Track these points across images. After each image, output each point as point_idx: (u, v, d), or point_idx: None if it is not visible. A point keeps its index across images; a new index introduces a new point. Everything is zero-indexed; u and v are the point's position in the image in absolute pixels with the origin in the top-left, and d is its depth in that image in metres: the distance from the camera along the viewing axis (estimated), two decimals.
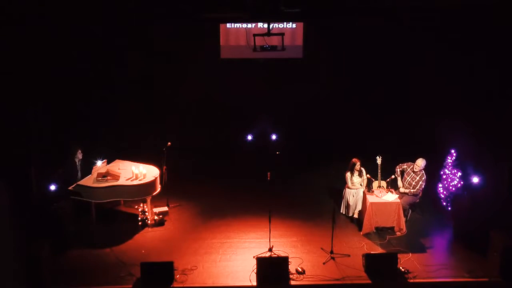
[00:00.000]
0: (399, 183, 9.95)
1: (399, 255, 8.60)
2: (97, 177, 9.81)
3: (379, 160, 9.74)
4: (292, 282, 8.33)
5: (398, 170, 9.98)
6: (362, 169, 10.00)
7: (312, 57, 12.50)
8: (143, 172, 9.97)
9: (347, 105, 12.84)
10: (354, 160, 9.97)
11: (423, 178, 9.73)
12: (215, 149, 12.64)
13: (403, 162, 9.95)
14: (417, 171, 9.73)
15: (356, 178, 9.97)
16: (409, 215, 9.96)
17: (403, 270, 8.47)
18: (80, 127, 11.82)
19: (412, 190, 9.75)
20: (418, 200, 10.04)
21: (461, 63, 10.73)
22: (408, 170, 9.85)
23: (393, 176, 9.91)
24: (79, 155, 10.23)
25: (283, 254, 8.90)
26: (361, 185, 9.98)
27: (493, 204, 9.31)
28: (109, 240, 9.38)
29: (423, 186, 9.76)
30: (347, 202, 10.07)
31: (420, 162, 9.72)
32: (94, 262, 8.83)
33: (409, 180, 9.81)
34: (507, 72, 9.85)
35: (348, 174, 9.99)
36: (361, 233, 9.57)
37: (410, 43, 11.93)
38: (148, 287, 8.24)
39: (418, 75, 12.02)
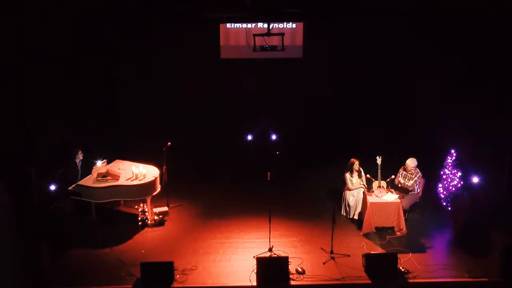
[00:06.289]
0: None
1: (399, 255, 8.59)
2: (97, 177, 9.81)
3: (379, 160, 9.73)
4: (292, 282, 8.33)
5: (399, 180, 9.91)
6: (361, 169, 10.00)
7: (312, 57, 12.50)
8: (143, 172, 9.97)
9: (347, 105, 12.85)
10: (352, 160, 9.96)
11: (419, 175, 9.74)
12: (215, 149, 12.63)
13: (403, 162, 9.91)
14: (411, 171, 9.73)
15: (355, 178, 9.97)
16: (407, 214, 9.93)
17: (403, 270, 8.47)
18: (80, 127, 11.83)
19: (407, 183, 9.72)
20: (418, 200, 10.05)
21: (461, 63, 10.75)
22: (404, 173, 9.85)
23: (392, 176, 9.90)
24: (80, 156, 10.23)
25: (283, 254, 8.90)
26: (361, 184, 9.97)
27: (493, 204, 9.32)
28: (109, 240, 9.38)
29: (418, 182, 9.76)
30: (348, 203, 10.06)
31: (411, 163, 9.72)
32: (94, 262, 8.83)
33: (407, 181, 9.80)
34: (508, 71, 9.87)
35: (348, 175, 9.99)
36: (361, 233, 9.56)
37: (410, 43, 11.94)
38: (148, 287, 8.24)
39: (418, 75, 12.03)
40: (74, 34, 10.98)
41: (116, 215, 10.30)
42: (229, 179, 11.85)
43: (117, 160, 10.67)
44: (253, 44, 10.68)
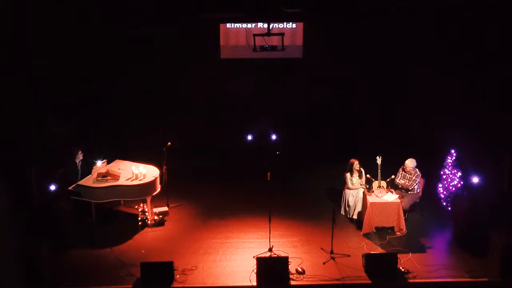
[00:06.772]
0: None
1: (399, 255, 8.59)
2: (97, 177, 9.81)
3: (379, 160, 9.73)
4: (292, 282, 8.33)
5: (398, 181, 9.92)
6: (362, 169, 10.00)
7: (312, 57, 12.50)
8: (143, 172, 9.97)
9: (347, 105, 12.85)
10: (352, 160, 9.96)
11: (417, 174, 9.75)
12: (215, 149, 12.63)
13: (402, 162, 9.91)
14: (410, 171, 9.73)
15: (355, 178, 9.97)
16: (407, 214, 9.92)
17: (403, 270, 8.46)
18: (80, 127, 11.82)
19: (407, 183, 9.74)
20: (418, 200, 10.05)
21: (461, 63, 10.74)
22: (403, 173, 9.85)
23: (393, 176, 9.90)
24: (80, 156, 10.23)
25: (283, 254, 8.90)
26: (361, 185, 9.97)
27: (493, 204, 9.32)
28: (109, 240, 9.37)
29: (417, 181, 9.76)
30: (347, 202, 10.06)
31: (410, 163, 9.72)
32: (94, 262, 8.83)
33: (406, 182, 9.81)
34: (507, 71, 9.87)
35: (348, 175, 9.99)
36: (361, 233, 9.56)
37: (410, 43, 11.93)
38: (148, 287, 8.24)
39: (418, 75, 12.03)
40: (73, 34, 10.98)
41: (116, 215, 10.29)
42: (229, 179, 11.84)
43: (117, 160, 10.67)
44: (253, 44, 10.68)
